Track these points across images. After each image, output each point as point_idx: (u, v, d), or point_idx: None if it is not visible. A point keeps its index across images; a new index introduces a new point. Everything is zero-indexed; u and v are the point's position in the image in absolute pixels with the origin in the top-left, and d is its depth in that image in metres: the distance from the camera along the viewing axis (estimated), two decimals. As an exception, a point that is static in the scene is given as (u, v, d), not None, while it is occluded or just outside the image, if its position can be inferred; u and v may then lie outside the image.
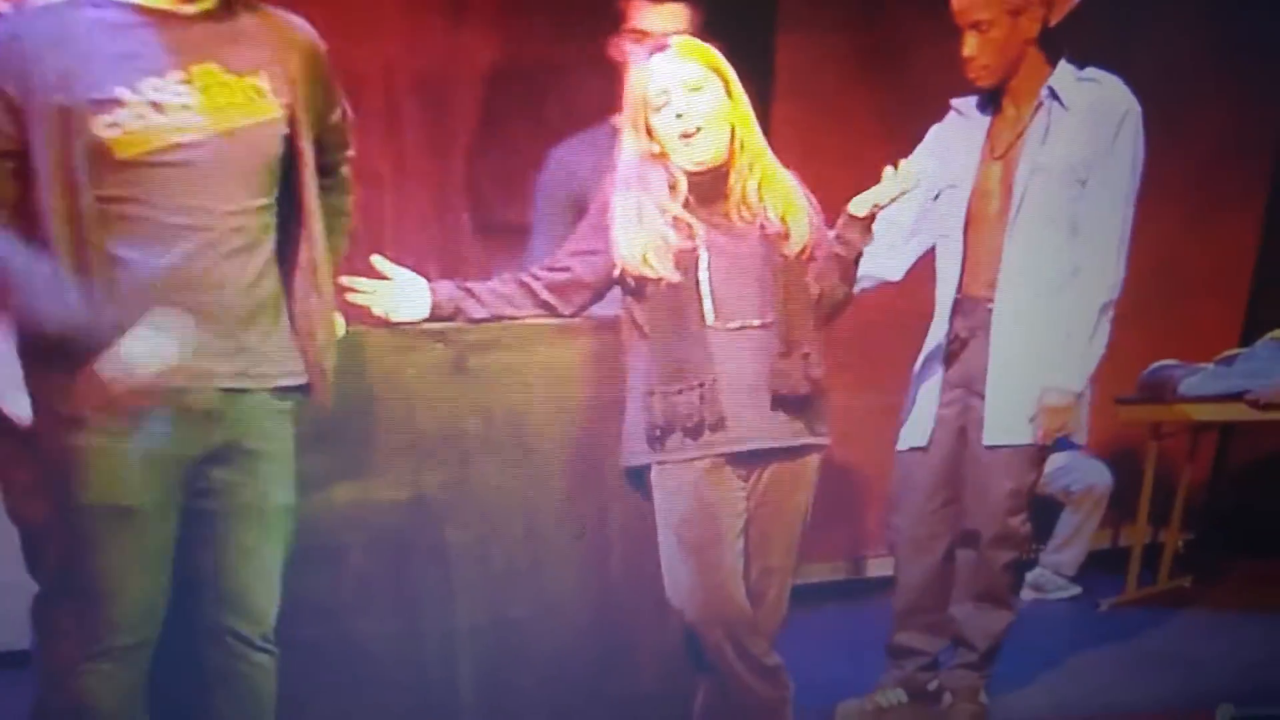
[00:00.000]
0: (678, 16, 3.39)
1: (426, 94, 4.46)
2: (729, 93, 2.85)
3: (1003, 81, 3.40)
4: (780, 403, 2.83)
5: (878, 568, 4.96)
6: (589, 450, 2.95)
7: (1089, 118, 3.33)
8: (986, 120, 3.46)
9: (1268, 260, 5.18)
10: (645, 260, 2.82)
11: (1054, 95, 3.36)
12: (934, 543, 3.55)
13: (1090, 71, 3.40)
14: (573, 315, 2.95)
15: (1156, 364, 4.73)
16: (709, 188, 2.86)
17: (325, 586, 2.73)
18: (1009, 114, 3.43)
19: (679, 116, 2.80)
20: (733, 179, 2.85)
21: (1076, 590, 4.93)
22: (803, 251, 2.86)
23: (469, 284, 2.90)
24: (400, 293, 2.86)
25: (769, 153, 2.89)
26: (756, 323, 2.84)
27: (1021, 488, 3.47)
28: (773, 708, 2.93)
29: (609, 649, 3.00)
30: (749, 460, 2.86)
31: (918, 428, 3.53)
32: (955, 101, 3.52)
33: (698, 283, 2.82)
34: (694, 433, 2.81)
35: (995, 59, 3.35)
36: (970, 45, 3.34)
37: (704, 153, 2.83)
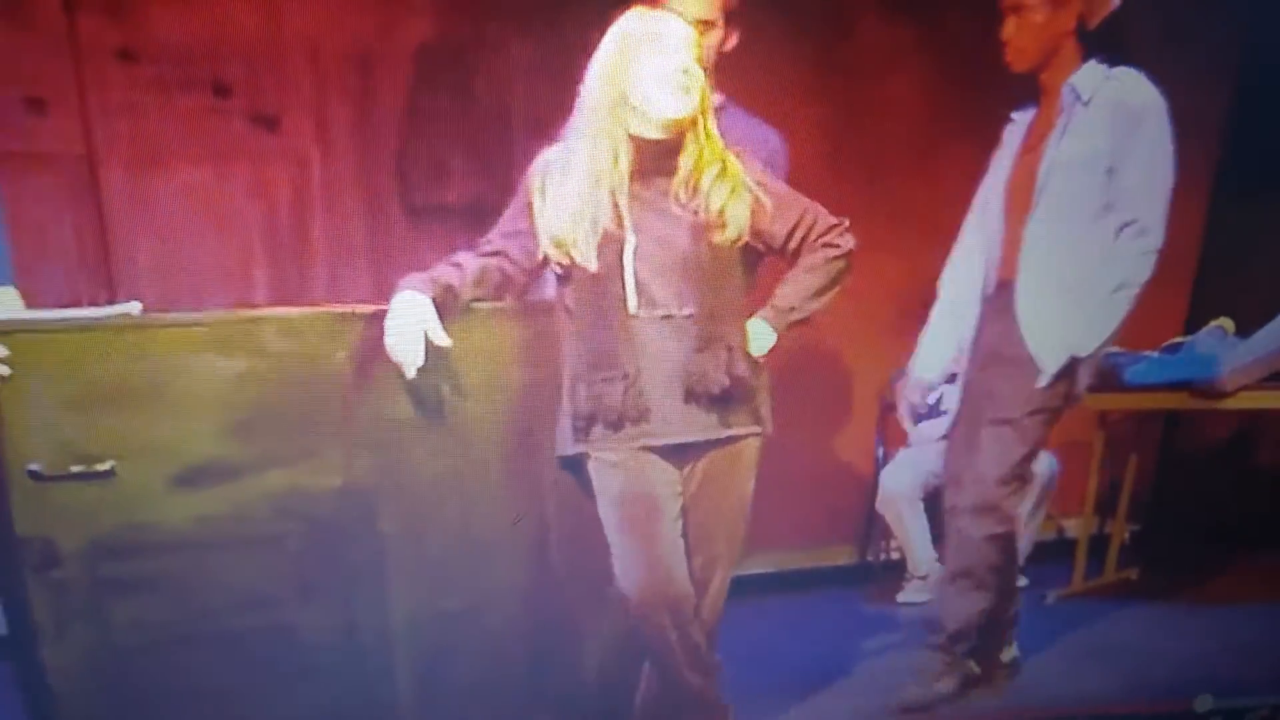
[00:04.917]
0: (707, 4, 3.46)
1: (354, 75, 4.47)
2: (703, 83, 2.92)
3: (1035, 69, 3.65)
4: (702, 397, 2.90)
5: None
6: (525, 436, 3.04)
7: (1109, 112, 3.57)
8: (1029, 118, 3.72)
9: (1211, 249, 5.29)
10: (567, 245, 2.87)
11: (1073, 91, 3.60)
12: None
13: (1119, 70, 3.62)
14: (512, 299, 3.00)
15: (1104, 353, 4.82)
16: (657, 160, 2.91)
17: (259, 575, 2.74)
18: (1044, 110, 3.68)
19: (684, 70, 2.86)
20: (683, 159, 2.91)
21: (1023, 582, 5.00)
22: (736, 241, 2.92)
23: (444, 279, 2.91)
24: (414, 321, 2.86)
25: (722, 144, 2.94)
26: (684, 312, 2.90)
27: (1008, 457, 3.62)
28: (710, 702, 2.96)
29: (547, 639, 3.05)
30: (679, 452, 2.93)
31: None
32: (1014, 114, 3.78)
33: (621, 270, 2.87)
34: (616, 425, 2.88)
35: (1030, 43, 3.60)
36: (1010, 28, 3.61)
37: (681, 110, 2.88)
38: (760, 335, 2.97)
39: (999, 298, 3.68)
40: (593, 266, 2.86)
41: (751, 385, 2.95)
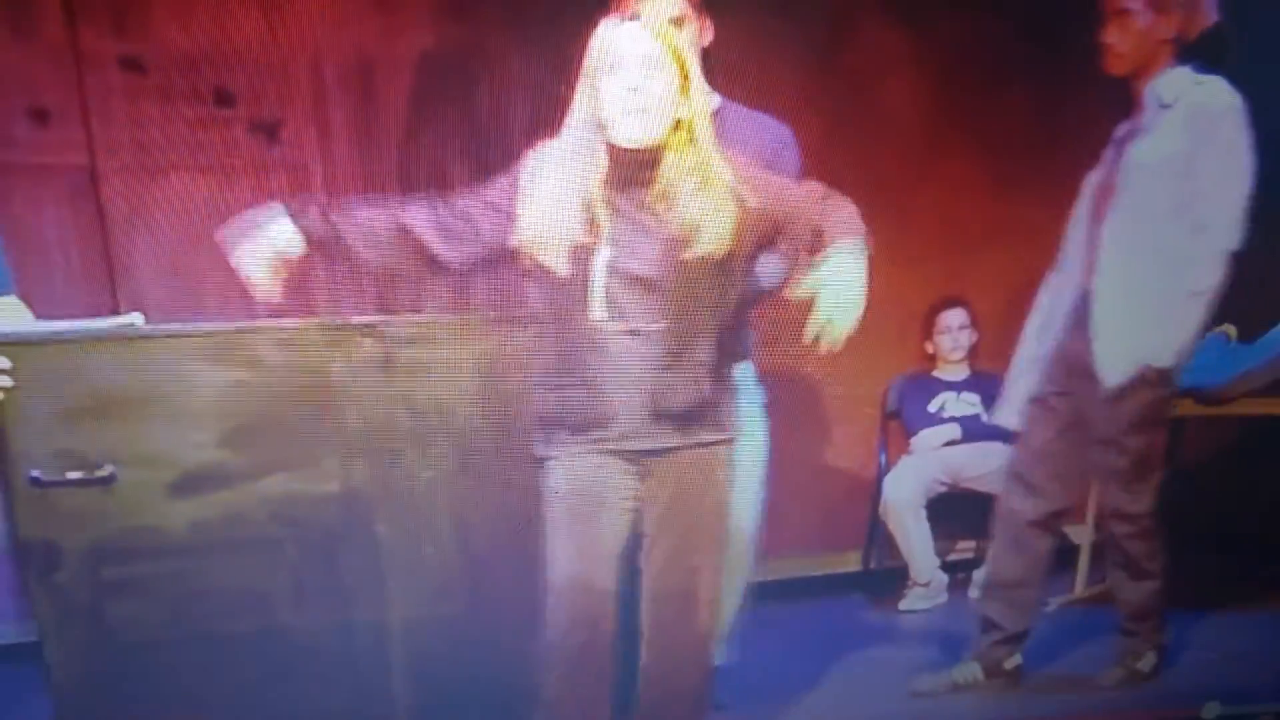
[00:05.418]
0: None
1: (356, 83, 4.51)
2: (684, 87, 2.85)
3: (1132, 74, 3.74)
4: (667, 415, 2.87)
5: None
6: (520, 444, 3.03)
7: (1189, 115, 3.66)
8: (1123, 131, 3.81)
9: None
10: (540, 246, 2.84)
11: (1155, 94, 3.70)
12: (1015, 516, 3.86)
13: (1207, 78, 3.70)
14: (456, 264, 2.92)
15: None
16: (635, 170, 2.86)
17: (257, 579, 2.79)
18: (1135, 116, 3.77)
19: (632, 90, 2.81)
20: (662, 169, 2.85)
21: (1025, 590, 5.02)
22: (712, 256, 2.85)
23: (336, 217, 2.86)
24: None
25: (717, 156, 2.88)
26: (653, 327, 2.84)
27: (1118, 465, 3.75)
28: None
29: (543, 643, 3.05)
30: (643, 457, 2.90)
31: (1011, 408, 3.94)
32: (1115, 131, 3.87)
33: (588, 278, 2.83)
34: (579, 429, 2.86)
35: (1131, 49, 3.71)
36: (1112, 32, 3.71)
37: (643, 134, 2.83)
38: (849, 271, 2.79)
39: (1082, 308, 3.76)
40: (562, 272, 2.83)
41: (718, 398, 2.92)
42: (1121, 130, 3.81)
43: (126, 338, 2.94)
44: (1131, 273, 3.68)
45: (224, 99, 4.41)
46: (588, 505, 2.87)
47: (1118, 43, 3.70)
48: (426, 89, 4.60)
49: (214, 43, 4.31)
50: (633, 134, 2.83)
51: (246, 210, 2.82)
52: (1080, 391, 3.76)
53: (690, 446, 2.91)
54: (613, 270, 2.83)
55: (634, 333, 2.84)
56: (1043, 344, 3.89)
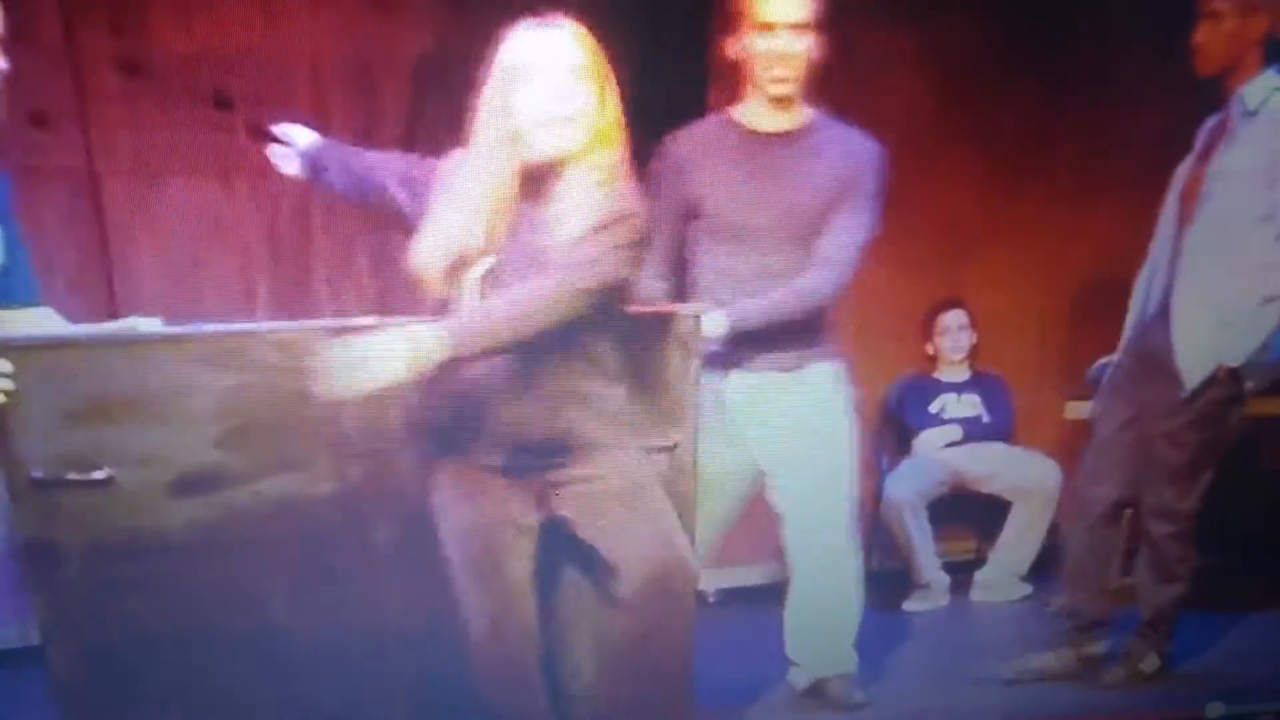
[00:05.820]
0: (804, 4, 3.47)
1: (355, 85, 4.53)
2: (600, 99, 2.71)
3: (1220, 75, 3.76)
4: (526, 443, 2.74)
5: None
6: None
7: (1275, 121, 3.69)
8: (1212, 124, 3.83)
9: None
10: (424, 260, 2.73)
11: (1241, 101, 3.73)
12: (1089, 507, 3.98)
13: None
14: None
15: (1102, 360, 4.87)
16: (535, 185, 2.73)
17: (257, 579, 2.82)
18: (1224, 117, 3.80)
19: (553, 99, 2.67)
20: (564, 183, 2.72)
21: (1027, 590, 5.06)
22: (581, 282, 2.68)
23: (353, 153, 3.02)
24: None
25: (618, 175, 2.74)
26: (521, 350, 2.68)
27: (1174, 460, 3.81)
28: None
29: (541, 644, 3.07)
30: (525, 471, 2.78)
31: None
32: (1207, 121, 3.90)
33: (461, 293, 2.72)
34: (449, 444, 2.78)
35: (1219, 49, 3.73)
36: (1202, 33, 3.74)
37: (561, 145, 2.70)
38: None
39: (1164, 306, 3.80)
40: (439, 287, 2.72)
41: (591, 426, 2.76)
42: (1210, 124, 3.82)
43: (126, 341, 2.96)
44: (1212, 277, 3.72)
45: (222, 102, 4.43)
46: (485, 551, 2.79)
47: (1208, 44, 3.72)
48: (426, 90, 4.62)
49: (213, 45, 4.34)
50: (551, 144, 2.69)
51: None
52: (1151, 384, 3.81)
53: (570, 479, 2.76)
54: (490, 284, 2.69)
55: (500, 352, 2.67)
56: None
